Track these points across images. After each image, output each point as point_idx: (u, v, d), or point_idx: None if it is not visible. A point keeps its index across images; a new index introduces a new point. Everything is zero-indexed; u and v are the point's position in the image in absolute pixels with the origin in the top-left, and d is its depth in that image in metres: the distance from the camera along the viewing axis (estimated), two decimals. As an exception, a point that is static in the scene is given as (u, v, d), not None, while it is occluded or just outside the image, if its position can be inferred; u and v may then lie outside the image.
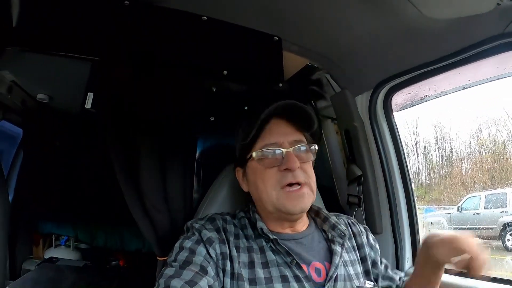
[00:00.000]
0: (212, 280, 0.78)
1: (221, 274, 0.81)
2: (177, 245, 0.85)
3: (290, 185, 0.87)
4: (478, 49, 0.96)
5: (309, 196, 0.89)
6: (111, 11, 1.06)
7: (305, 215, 0.97)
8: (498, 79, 1.03)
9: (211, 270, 0.79)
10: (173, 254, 0.83)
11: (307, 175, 0.90)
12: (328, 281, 0.84)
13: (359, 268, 0.94)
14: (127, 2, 1.06)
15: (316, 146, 0.95)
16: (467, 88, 1.11)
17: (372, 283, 0.93)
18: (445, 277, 1.13)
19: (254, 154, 0.91)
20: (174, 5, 1.10)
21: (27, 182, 1.96)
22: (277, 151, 0.90)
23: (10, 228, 1.80)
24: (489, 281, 1.04)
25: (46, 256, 1.98)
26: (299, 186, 0.88)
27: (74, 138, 1.98)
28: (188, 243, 0.83)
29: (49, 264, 1.78)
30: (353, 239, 0.98)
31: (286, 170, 0.88)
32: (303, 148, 0.92)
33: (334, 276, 0.85)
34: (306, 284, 0.82)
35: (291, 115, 0.94)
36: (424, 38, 1.02)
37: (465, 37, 0.96)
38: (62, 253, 2.02)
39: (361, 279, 0.92)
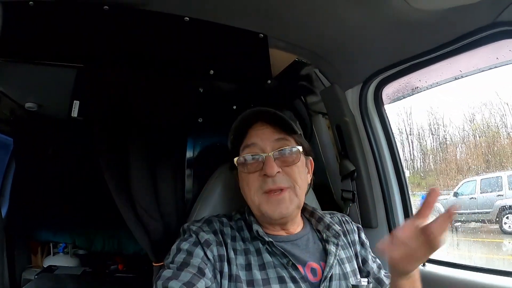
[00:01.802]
0: (210, 282, 0.78)
1: (218, 276, 0.81)
2: (174, 247, 0.85)
3: (271, 191, 0.86)
4: (469, 39, 0.93)
5: (291, 200, 0.87)
6: (91, 18, 1.05)
7: (298, 216, 0.96)
8: (491, 68, 1.01)
9: (208, 272, 0.79)
10: (170, 256, 0.83)
11: (291, 178, 0.88)
12: (323, 281, 0.84)
13: (355, 264, 0.95)
14: (106, 7, 1.04)
15: (301, 148, 0.91)
16: (459, 78, 1.09)
17: (366, 279, 0.92)
18: (443, 270, 1.14)
19: (235, 160, 0.91)
20: (155, 8, 1.08)
21: (22, 191, 1.94)
22: (257, 157, 0.88)
23: (6, 238, 1.81)
24: (485, 273, 1.04)
25: (45, 265, 1.99)
26: (280, 191, 0.86)
27: (66, 145, 1.96)
28: (185, 245, 0.83)
29: (47, 274, 1.78)
30: (348, 236, 0.99)
31: (265, 175, 0.86)
32: (286, 151, 0.89)
33: (329, 276, 0.86)
34: (302, 285, 0.82)
35: (270, 120, 0.92)
36: (413, 29, 1.00)
37: (455, 28, 0.94)
38: (60, 260, 2.03)
39: (358, 276, 0.93)
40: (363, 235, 1.02)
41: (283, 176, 0.87)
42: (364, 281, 0.91)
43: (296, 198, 0.88)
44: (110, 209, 1.23)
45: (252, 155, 0.89)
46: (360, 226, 1.06)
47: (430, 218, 0.70)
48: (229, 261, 0.83)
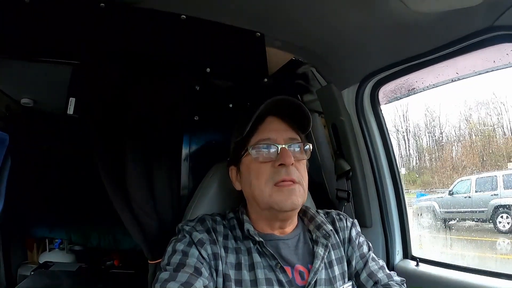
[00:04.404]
0: (207, 280, 0.78)
1: (214, 274, 0.82)
2: (169, 248, 0.85)
3: (284, 181, 0.86)
4: (466, 42, 0.92)
5: (300, 193, 0.87)
6: (88, 14, 1.04)
7: (296, 215, 0.96)
8: (487, 72, 1.01)
9: (205, 271, 0.79)
10: (166, 258, 0.83)
11: (300, 174, 0.89)
12: (307, 286, 0.84)
13: (346, 266, 0.94)
14: (102, 4, 1.04)
15: (310, 146, 0.94)
16: (455, 81, 1.09)
17: (350, 282, 0.93)
18: (436, 271, 1.15)
19: (249, 149, 0.90)
20: (151, 5, 1.07)
21: (17, 187, 1.94)
22: (272, 147, 0.89)
23: (2, 234, 1.81)
24: (478, 274, 1.05)
25: (41, 261, 1.99)
26: (292, 183, 0.86)
27: (62, 141, 1.95)
28: (180, 246, 0.84)
29: (43, 271, 1.79)
30: (339, 234, 0.98)
31: (280, 166, 0.86)
32: (297, 147, 0.91)
33: (313, 281, 0.85)
34: None
35: (286, 112, 0.93)
36: (411, 31, 0.99)
37: (453, 31, 0.93)
38: (56, 256, 2.03)
39: (346, 279, 0.92)
40: (354, 231, 1.00)
41: (295, 169, 0.88)
42: (347, 286, 0.91)
43: (304, 193, 0.89)
44: (106, 205, 1.22)
45: (268, 145, 0.89)
46: (355, 221, 1.04)
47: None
48: (221, 259, 0.84)
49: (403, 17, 0.94)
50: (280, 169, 0.86)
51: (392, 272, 0.96)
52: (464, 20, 0.88)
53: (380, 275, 0.94)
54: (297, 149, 0.91)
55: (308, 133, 1.46)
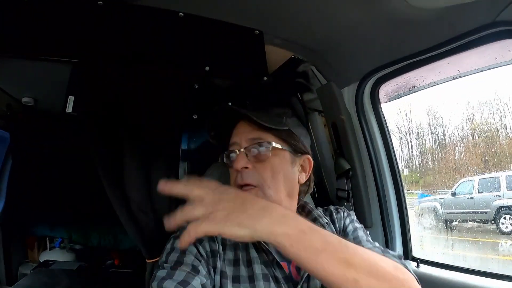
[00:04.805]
0: (205, 279, 0.77)
1: (212, 272, 0.81)
2: (168, 246, 0.84)
3: (241, 187, 0.85)
4: (468, 38, 0.91)
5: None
6: (86, 13, 1.05)
7: None
8: (489, 69, 1.00)
9: (202, 269, 0.78)
10: (164, 255, 0.82)
11: (261, 177, 0.86)
12: (300, 282, 0.83)
13: None
14: (100, 2, 1.04)
15: (278, 145, 0.88)
16: (456, 78, 1.08)
17: None
18: (437, 272, 1.14)
19: (220, 158, 0.93)
20: (149, 3, 1.07)
21: (18, 186, 1.94)
22: (233, 153, 0.89)
23: (3, 232, 1.81)
24: (479, 275, 1.04)
25: (41, 259, 1.99)
26: (250, 187, 0.85)
27: (63, 140, 1.95)
28: (178, 243, 0.82)
29: (43, 269, 1.79)
30: (336, 224, 0.96)
31: (236, 171, 0.86)
32: (258, 147, 0.87)
33: (305, 276, 0.84)
34: (284, 285, 0.82)
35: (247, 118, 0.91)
36: (411, 28, 0.98)
37: (454, 27, 0.92)
38: (57, 255, 2.03)
39: None
40: (348, 220, 0.98)
41: (252, 172, 0.86)
42: None
43: (267, 197, 0.85)
44: (107, 204, 1.22)
45: (231, 150, 0.90)
46: (351, 212, 1.02)
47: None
48: (219, 256, 0.83)
49: (404, 13, 0.93)
50: (237, 173, 0.86)
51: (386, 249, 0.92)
52: (465, 16, 0.87)
53: (375, 250, 0.88)
54: (262, 149, 0.87)
55: (308, 132, 1.47)
